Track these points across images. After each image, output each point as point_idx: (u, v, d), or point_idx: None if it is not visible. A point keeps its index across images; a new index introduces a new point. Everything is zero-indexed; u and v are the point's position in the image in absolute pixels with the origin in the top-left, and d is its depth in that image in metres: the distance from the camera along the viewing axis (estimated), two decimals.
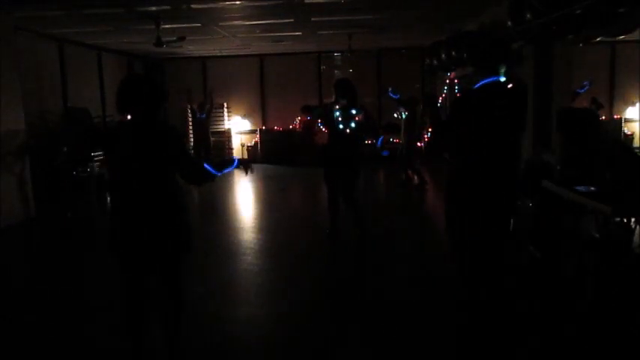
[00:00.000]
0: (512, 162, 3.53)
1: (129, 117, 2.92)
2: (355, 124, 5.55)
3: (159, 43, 8.34)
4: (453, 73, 10.65)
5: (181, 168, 2.99)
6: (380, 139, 5.79)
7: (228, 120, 13.77)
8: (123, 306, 3.04)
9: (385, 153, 5.75)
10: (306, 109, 6.23)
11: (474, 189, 3.40)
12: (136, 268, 2.99)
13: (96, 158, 9.08)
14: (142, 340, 3.06)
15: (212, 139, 11.94)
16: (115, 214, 2.96)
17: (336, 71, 13.33)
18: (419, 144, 10.13)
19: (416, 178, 9.28)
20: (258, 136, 13.60)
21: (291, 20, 8.75)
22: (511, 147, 3.51)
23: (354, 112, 5.55)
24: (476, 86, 3.44)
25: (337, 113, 5.60)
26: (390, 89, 9.10)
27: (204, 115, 11.45)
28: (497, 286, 3.59)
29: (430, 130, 3.72)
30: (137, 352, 3.05)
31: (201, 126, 11.76)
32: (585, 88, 7.94)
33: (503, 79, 3.41)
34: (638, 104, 11.21)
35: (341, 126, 5.57)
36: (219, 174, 3.11)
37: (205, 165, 3.07)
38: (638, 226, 4.48)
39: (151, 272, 3.02)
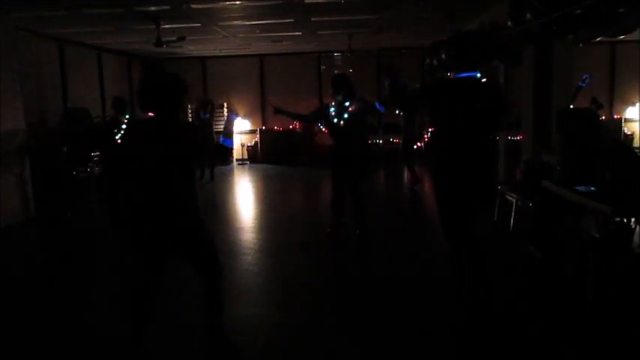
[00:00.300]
0: (495, 152, 3.88)
1: (122, 116, 3.02)
2: (348, 114, 5.50)
3: (159, 43, 8.34)
4: (453, 73, 10.64)
5: (209, 154, 3.11)
6: (377, 105, 5.81)
7: None
8: (130, 295, 3.15)
9: (381, 109, 5.78)
10: (279, 113, 6.13)
11: (464, 179, 3.57)
12: (149, 260, 3.07)
13: (95, 158, 9.09)
14: (144, 331, 3.14)
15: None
16: (135, 210, 3.02)
17: (335, 71, 13.32)
18: (419, 144, 10.13)
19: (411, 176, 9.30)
20: (258, 136, 13.61)
21: (291, 20, 8.75)
22: (493, 138, 3.81)
23: (347, 104, 5.51)
24: (457, 76, 3.68)
25: (332, 109, 5.61)
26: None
27: (207, 115, 11.45)
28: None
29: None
30: (138, 340, 3.13)
31: (206, 126, 11.75)
32: (586, 82, 7.88)
33: (479, 75, 3.67)
34: (638, 104, 11.22)
35: (335, 120, 5.57)
36: (231, 141, 3.21)
37: (221, 141, 3.14)
38: (638, 226, 4.48)
39: (162, 266, 3.12)
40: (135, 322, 3.14)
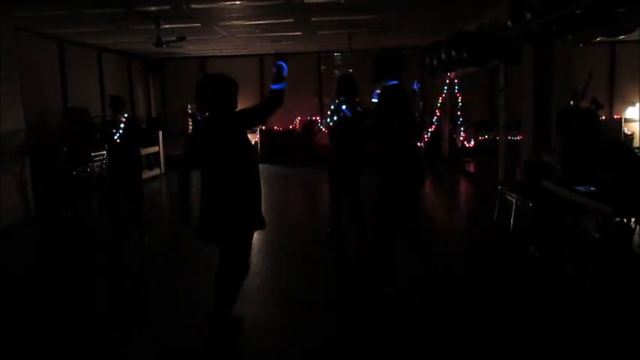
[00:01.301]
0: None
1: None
2: (338, 116, 5.57)
3: (159, 43, 8.34)
4: (453, 73, 10.65)
5: (264, 112, 3.54)
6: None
7: None
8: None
9: (416, 86, 5.76)
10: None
11: (407, 171, 4.17)
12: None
13: (96, 158, 9.09)
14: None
15: None
16: (206, 199, 3.28)
17: (336, 71, 13.34)
18: (419, 144, 10.10)
19: None
20: (258, 136, 13.60)
21: (291, 20, 8.76)
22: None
23: (343, 106, 5.56)
24: (389, 84, 4.30)
25: (331, 108, 5.78)
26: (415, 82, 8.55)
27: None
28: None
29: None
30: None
31: None
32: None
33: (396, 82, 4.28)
34: (638, 104, 11.21)
35: (327, 119, 5.71)
36: (283, 85, 3.57)
37: (272, 87, 3.51)
38: (638, 226, 4.48)
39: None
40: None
